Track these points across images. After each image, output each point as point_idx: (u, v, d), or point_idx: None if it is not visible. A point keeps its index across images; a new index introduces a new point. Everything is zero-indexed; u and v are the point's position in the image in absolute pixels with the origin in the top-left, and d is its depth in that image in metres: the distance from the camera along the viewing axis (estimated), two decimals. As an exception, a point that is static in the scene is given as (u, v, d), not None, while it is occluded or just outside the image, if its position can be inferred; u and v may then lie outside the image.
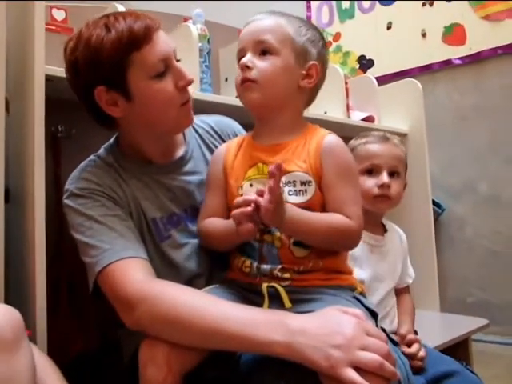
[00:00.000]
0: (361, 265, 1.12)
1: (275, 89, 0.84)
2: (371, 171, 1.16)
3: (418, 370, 1.01)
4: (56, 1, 1.25)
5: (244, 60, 0.84)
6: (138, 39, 0.83)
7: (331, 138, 0.85)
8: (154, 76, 0.86)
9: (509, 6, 2.20)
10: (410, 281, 1.30)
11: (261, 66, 0.83)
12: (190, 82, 0.90)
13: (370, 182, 1.15)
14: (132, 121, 0.90)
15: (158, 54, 0.85)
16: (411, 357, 1.01)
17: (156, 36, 0.86)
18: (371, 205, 1.15)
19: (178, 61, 0.90)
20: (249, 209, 0.73)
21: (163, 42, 0.87)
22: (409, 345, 1.05)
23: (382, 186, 1.14)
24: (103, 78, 0.84)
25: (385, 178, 1.15)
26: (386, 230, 1.25)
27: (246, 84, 0.84)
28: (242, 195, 0.84)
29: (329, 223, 0.79)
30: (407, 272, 1.29)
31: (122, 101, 0.86)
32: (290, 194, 0.81)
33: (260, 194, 0.73)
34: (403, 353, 1.01)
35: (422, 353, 1.04)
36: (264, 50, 0.84)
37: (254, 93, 0.83)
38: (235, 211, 0.75)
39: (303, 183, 0.81)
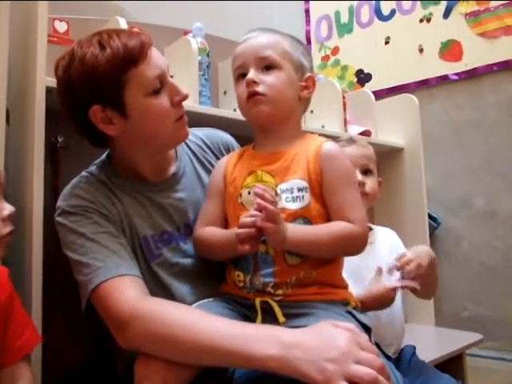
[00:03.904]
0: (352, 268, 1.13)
1: (283, 101, 0.87)
2: None
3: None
4: None
5: (250, 76, 0.85)
6: (134, 56, 0.83)
7: (329, 145, 0.87)
8: (151, 93, 0.85)
9: (504, 23, 2.23)
10: None
11: (268, 80, 0.86)
12: (186, 97, 0.91)
13: None
14: (127, 138, 0.89)
15: (155, 71, 0.85)
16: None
17: (150, 52, 0.86)
18: None
19: (171, 77, 0.90)
20: (253, 230, 0.75)
21: (158, 58, 0.88)
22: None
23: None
24: (99, 97, 0.83)
25: (358, 176, 1.20)
26: (370, 229, 1.28)
27: (255, 98, 0.85)
28: (241, 203, 0.86)
29: (331, 234, 0.80)
30: None
31: (118, 118, 0.86)
32: (287, 201, 0.82)
33: (259, 210, 0.75)
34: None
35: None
36: (268, 66, 0.86)
37: (264, 106, 0.85)
38: (241, 231, 0.76)
39: (300, 189, 0.83)
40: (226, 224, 0.91)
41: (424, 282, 1.07)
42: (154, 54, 0.87)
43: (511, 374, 2.04)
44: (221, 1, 2.30)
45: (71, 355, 1.08)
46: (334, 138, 1.50)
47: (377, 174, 1.28)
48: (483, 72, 2.30)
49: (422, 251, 1.13)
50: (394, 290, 1.08)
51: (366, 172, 1.24)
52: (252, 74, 0.85)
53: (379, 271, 1.11)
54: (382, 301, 1.07)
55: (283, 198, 0.82)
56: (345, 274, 1.07)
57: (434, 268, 1.12)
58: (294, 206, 0.82)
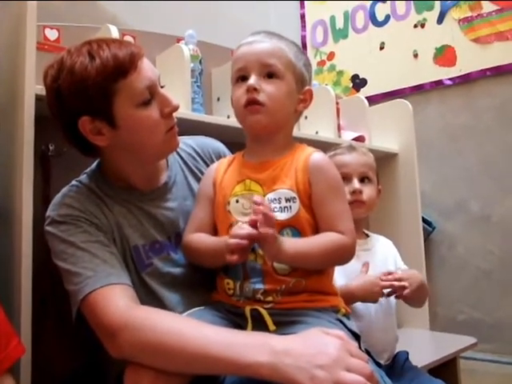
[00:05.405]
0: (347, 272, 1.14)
1: (280, 113, 0.86)
2: (343, 180, 1.19)
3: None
4: None
5: (252, 82, 0.84)
6: (124, 66, 0.82)
7: (318, 156, 0.87)
8: (141, 104, 0.85)
9: (496, 29, 2.25)
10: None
11: (268, 89, 0.84)
12: (176, 108, 0.90)
13: None
14: (116, 148, 0.89)
15: (145, 82, 0.84)
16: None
17: (141, 63, 0.85)
18: None
19: (162, 87, 0.90)
20: (245, 242, 0.75)
21: (148, 69, 0.87)
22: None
23: (354, 192, 1.20)
24: (88, 107, 0.83)
25: (356, 184, 1.20)
26: (367, 236, 1.28)
27: (253, 106, 0.84)
28: (229, 211, 0.86)
29: (324, 246, 0.80)
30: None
31: (108, 129, 0.85)
32: (275, 211, 0.81)
33: (253, 224, 0.74)
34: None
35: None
36: (270, 74, 0.85)
37: (261, 116, 0.84)
38: (232, 241, 0.76)
39: (288, 200, 0.83)
40: (214, 230, 0.91)
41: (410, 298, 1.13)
42: (145, 64, 0.86)
43: (506, 376, 2.05)
44: (215, 3, 2.31)
45: (63, 364, 1.07)
46: (327, 144, 1.52)
47: (377, 182, 1.27)
48: (476, 77, 2.32)
49: (412, 275, 1.16)
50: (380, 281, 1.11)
51: (363, 180, 1.23)
52: (253, 81, 0.84)
53: (366, 265, 1.15)
54: (371, 291, 1.10)
55: (271, 207, 0.81)
56: (341, 278, 1.08)
57: (421, 290, 1.15)
58: (281, 217, 0.82)
